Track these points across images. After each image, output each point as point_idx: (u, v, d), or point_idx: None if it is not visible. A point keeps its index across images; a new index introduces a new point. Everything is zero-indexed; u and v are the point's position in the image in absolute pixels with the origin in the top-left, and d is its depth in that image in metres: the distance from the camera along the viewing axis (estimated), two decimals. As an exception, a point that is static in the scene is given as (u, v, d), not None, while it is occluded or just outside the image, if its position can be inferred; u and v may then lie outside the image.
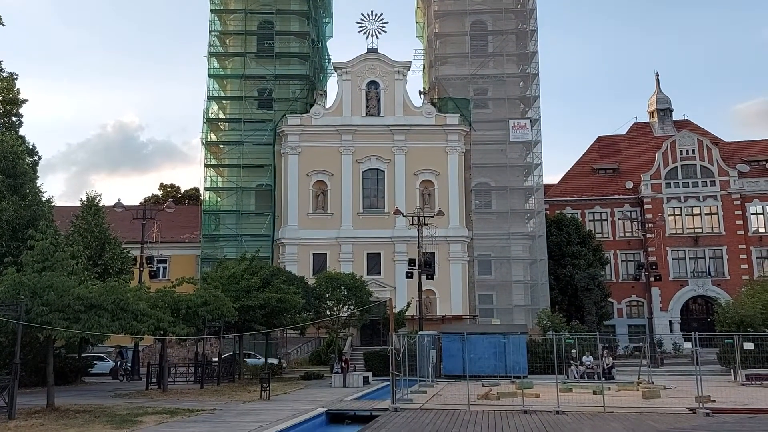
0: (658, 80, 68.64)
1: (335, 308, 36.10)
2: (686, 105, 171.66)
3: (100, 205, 34.48)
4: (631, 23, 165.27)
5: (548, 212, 54.50)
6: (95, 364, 35.03)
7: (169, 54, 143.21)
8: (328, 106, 50.60)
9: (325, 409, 19.72)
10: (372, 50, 51.04)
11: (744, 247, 56.07)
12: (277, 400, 22.82)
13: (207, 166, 50.48)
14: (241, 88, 51.08)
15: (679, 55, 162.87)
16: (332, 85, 64.82)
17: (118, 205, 37.43)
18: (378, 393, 25.38)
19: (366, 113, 49.94)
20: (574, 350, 31.45)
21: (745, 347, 27.16)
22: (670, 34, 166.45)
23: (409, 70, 51.57)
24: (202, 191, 52.35)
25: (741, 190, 56.92)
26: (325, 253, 47.16)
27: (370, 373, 30.48)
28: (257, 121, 50.35)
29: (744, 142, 63.28)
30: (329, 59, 57.35)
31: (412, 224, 38.42)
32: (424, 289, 38.69)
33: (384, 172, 48.94)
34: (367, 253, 47.05)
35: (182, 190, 71.40)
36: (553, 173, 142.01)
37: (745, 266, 55.32)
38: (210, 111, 51.18)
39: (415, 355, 26.08)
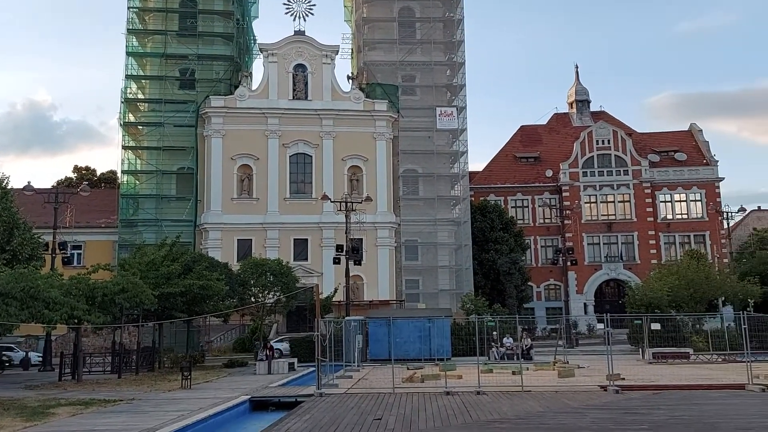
0: (577, 72, 71.28)
1: (260, 295, 35.61)
2: (603, 97, 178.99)
3: (8, 187, 32.42)
4: (553, 16, 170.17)
5: (473, 199, 55.73)
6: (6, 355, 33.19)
7: (85, 30, 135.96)
8: (253, 88, 49.49)
9: (249, 397, 19.49)
10: (299, 32, 50.26)
11: (653, 233, 59.33)
12: (198, 388, 22.35)
13: (125, 148, 48.42)
14: (162, 67, 49.17)
15: (598, 49, 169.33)
16: (258, 67, 63.52)
17: (28, 187, 35.34)
18: (303, 379, 25.32)
19: (293, 97, 49.22)
20: (495, 332, 32.43)
21: (652, 328, 28.90)
22: (590, 28, 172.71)
23: (337, 54, 51.17)
24: (119, 174, 50.23)
25: (651, 179, 60.07)
26: (251, 239, 46.36)
27: (295, 360, 30.32)
28: (179, 102, 48.66)
29: (655, 134, 66.72)
30: (255, 40, 56.02)
31: (340, 210, 38.36)
32: (351, 274, 38.80)
33: (311, 157, 48.49)
34: (294, 239, 46.62)
35: (98, 173, 68.33)
36: (478, 161, 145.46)
37: (654, 251, 58.59)
38: (128, 90, 49.02)
39: (342, 340, 26.17)
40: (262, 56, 50.48)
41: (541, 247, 60.99)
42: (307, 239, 46.80)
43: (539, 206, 60.84)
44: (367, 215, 43.12)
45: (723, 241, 59.12)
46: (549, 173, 62.49)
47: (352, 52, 56.78)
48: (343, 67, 74.52)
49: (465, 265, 49.09)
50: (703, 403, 16.62)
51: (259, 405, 19.16)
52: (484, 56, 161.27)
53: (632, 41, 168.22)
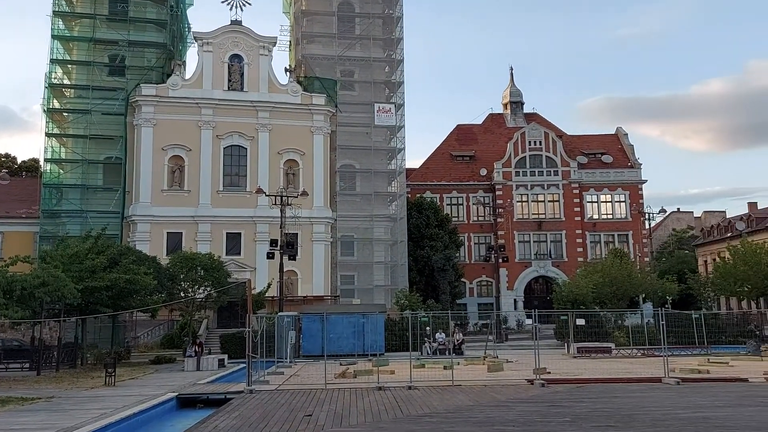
0: (512, 74, 72.95)
1: (190, 290, 34.74)
2: (537, 99, 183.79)
3: None
4: (492, 19, 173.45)
5: (410, 195, 56.18)
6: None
7: (6, 11, 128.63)
8: (187, 77, 48.04)
9: (176, 394, 19.00)
10: (236, 22, 49.18)
11: (580, 232, 61.47)
12: (123, 386, 21.62)
13: (48, 135, 46.05)
14: (90, 52, 47.04)
15: (533, 52, 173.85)
16: (192, 56, 61.93)
17: (-61, 174, 33.18)
18: (234, 376, 24.93)
19: (228, 87, 48.10)
20: (428, 328, 32.86)
21: (577, 323, 29.99)
22: (527, 31, 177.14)
23: (275, 46, 50.34)
24: (42, 163, 47.72)
25: (580, 180, 62.19)
26: (181, 232, 45.06)
27: (226, 356, 29.82)
28: (107, 89, 46.68)
29: (584, 136, 69.09)
30: (189, 28, 54.47)
31: (275, 204, 37.89)
32: (285, 269, 38.42)
33: (246, 149, 47.58)
34: (227, 233, 45.66)
35: (19, 161, 64.98)
36: (415, 158, 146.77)
37: (581, 249, 60.74)
38: (53, 75, 46.62)
39: (274, 336, 25.90)
40: (196, 45, 49.06)
41: (475, 244, 62.11)
42: (240, 233, 45.91)
43: (473, 204, 61.95)
44: (302, 210, 42.74)
45: (644, 240, 61.93)
46: (483, 172, 63.70)
47: (290, 45, 56.09)
48: (281, 60, 73.42)
49: (400, 261, 49.46)
50: (623, 395, 17.35)
51: (186, 402, 18.71)
52: (423, 55, 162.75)
53: (565, 46, 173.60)
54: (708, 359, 27.67)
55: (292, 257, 36.97)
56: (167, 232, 44.82)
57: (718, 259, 52.59)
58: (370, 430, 12.78)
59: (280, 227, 35.95)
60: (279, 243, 35.30)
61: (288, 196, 37.71)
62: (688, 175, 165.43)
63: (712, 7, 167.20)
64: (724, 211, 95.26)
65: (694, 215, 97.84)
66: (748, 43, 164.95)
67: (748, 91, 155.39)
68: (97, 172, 46.38)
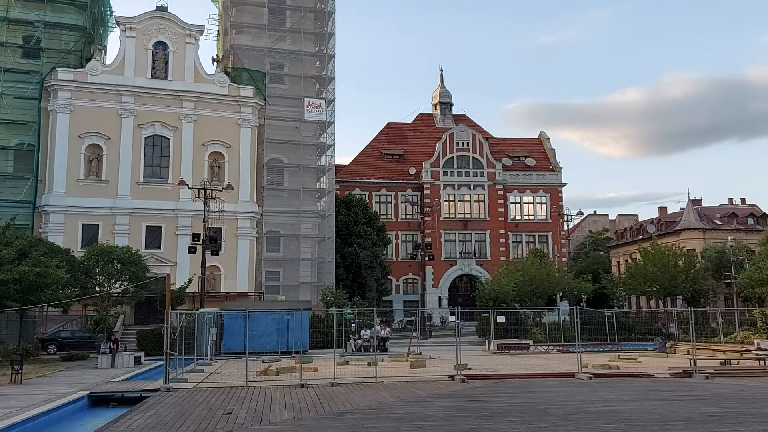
0: (442, 75, 74.09)
1: (106, 284, 33.30)
2: (466, 100, 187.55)
3: None
4: (424, 22, 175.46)
5: (338, 192, 56.07)
6: None
7: None
8: (107, 63, 46.02)
9: (88, 392, 18.16)
10: (161, 8, 47.51)
11: (503, 232, 63.22)
12: (31, 383, 20.48)
13: (-47, 118, 43.04)
14: (3, 32, 44.18)
15: (464, 54, 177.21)
16: (114, 42, 59.46)
17: None
18: (150, 373, 24.09)
19: (152, 75, 46.41)
20: (353, 324, 32.89)
21: (498, 320, 30.80)
22: (458, 33, 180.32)
23: (202, 34, 48.99)
24: (-56, 147, 44.50)
25: (504, 181, 63.94)
26: (98, 224, 43.14)
27: (142, 353, 28.80)
28: (20, 72, 44.03)
29: (509, 139, 71.07)
30: (111, 12, 52.17)
31: (198, 197, 36.86)
32: (208, 265, 37.51)
33: (170, 140, 46.06)
34: (147, 226, 44.06)
35: None
36: (345, 154, 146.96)
37: (503, 249, 62.47)
38: (-40, 54, 43.59)
39: (194, 333, 25.23)
40: (118, 30, 47.07)
41: (402, 242, 62.74)
42: (161, 226, 44.41)
43: (402, 202, 62.54)
44: (227, 204, 41.83)
45: (563, 241, 64.35)
46: (412, 171, 64.42)
47: (219, 35, 54.71)
48: (209, 49, 71.62)
49: (327, 257, 49.25)
50: (539, 390, 17.93)
51: (99, 401, 17.91)
52: (355, 52, 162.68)
53: (493, 50, 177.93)
54: (618, 355, 29.06)
55: (215, 252, 36.11)
56: (83, 224, 42.80)
57: (630, 260, 55.30)
58: (291, 427, 12.64)
59: (203, 221, 35.01)
60: (202, 237, 34.38)
61: (212, 190, 36.78)
62: (605, 180, 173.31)
63: (630, 20, 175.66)
64: (637, 215, 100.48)
65: (610, 218, 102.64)
66: (663, 56, 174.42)
67: (661, 101, 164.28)
68: (6, 158, 43.76)
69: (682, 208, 78.64)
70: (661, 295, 47.23)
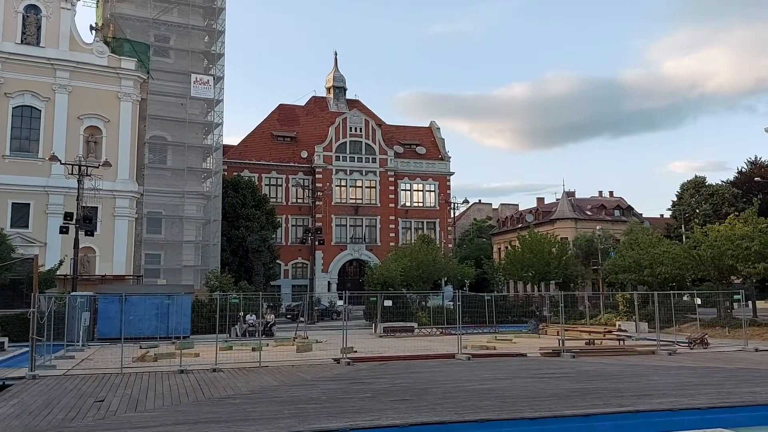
0: (336, 59, 73.79)
1: (-37, 265, 30.41)
2: (359, 86, 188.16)
3: None
4: (318, 2, 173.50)
5: (226, 173, 54.43)
6: None
7: None
8: (-31, 23, 41.69)
9: (-63, 383, 16.57)
10: (33, -33, 43.58)
11: (394, 218, 64.31)
12: None
13: None
14: None
15: (359, 39, 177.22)
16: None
17: None
18: (14, 360, 22.37)
19: (21, 41, 42.56)
20: (241, 312, 32.21)
21: (385, 304, 31.36)
22: (353, 17, 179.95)
23: (79, 0, 45.53)
24: None
25: (395, 168, 64.94)
26: (-44, 200, 39.25)
27: (6, 339, 26.70)
28: None
29: (401, 127, 72.19)
30: (-26, -34, 47.18)
31: (72, 174, 34.42)
32: (82, 246, 35.24)
33: (41, 111, 42.54)
34: (13, 203, 40.53)
35: None
36: (234, 134, 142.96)
37: (393, 234, 63.59)
38: None
39: (65, 318, 23.71)
40: (-18, -13, 42.70)
41: (292, 226, 62.15)
42: (29, 204, 41.02)
43: (293, 186, 61.86)
44: (104, 182, 39.41)
45: (449, 228, 66.60)
46: (304, 154, 63.81)
47: (99, 1, 51.04)
48: (87, 16, 66.73)
49: (213, 240, 47.72)
50: (420, 371, 18.51)
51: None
52: (248, 29, 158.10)
53: (387, 36, 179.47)
54: (495, 337, 30.58)
55: (90, 233, 33.85)
56: (-64, 200, 38.75)
57: (509, 247, 58.13)
58: (168, 413, 12.23)
59: (77, 199, 32.77)
60: (75, 217, 32.18)
61: (88, 166, 34.48)
62: (491, 170, 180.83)
63: (518, 17, 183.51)
64: (518, 205, 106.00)
65: (493, 207, 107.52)
66: (547, 54, 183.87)
67: (543, 97, 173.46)
68: None
69: (557, 199, 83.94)
70: (536, 280, 50.05)
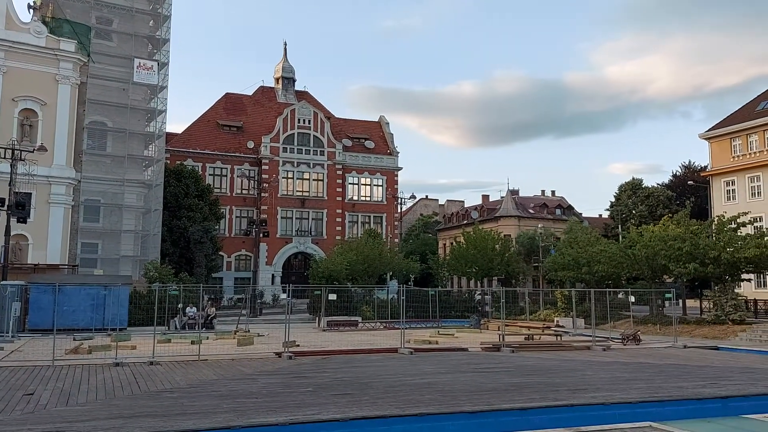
0: (285, 50, 72.93)
1: None
2: (309, 78, 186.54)
3: None
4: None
5: (169, 162, 53.11)
6: None
7: None
8: None
9: None
10: (-35, -62, 41.25)
11: (341, 211, 64.15)
12: None
13: None
14: None
15: (309, 30, 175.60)
16: None
17: None
18: (-65, 353, 21.21)
19: (-49, 15, 40.30)
20: (180, 305, 31.54)
21: (329, 298, 31.26)
22: (303, 7, 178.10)
23: (16, -25, 43.33)
24: None
25: (343, 162, 64.75)
26: None
27: (-74, 331, 25.30)
28: None
29: (351, 120, 72.02)
30: None
31: (5, 158, 32.88)
32: (13, 233, 33.66)
33: (-29, 91, 40.41)
34: (-62, 187, 38.42)
35: None
36: (178, 122, 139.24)
37: (340, 228, 63.46)
38: None
39: (-7, 308, 22.67)
40: None
41: (236, 217, 61.19)
42: (-44, 188, 38.98)
43: (238, 176, 60.85)
44: (39, 167, 37.75)
45: (396, 223, 66.90)
46: (251, 144, 62.86)
47: (37, -22, 48.78)
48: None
49: (153, 230, 46.48)
50: (363, 365, 18.54)
51: None
52: (195, 15, 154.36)
53: (338, 29, 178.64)
54: (438, 331, 30.93)
55: (23, 220, 32.43)
56: None
57: (454, 243, 58.89)
58: (102, 407, 11.84)
59: (9, 184, 31.34)
60: (7, 202, 30.75)
61: (22, 150, 33.00)
62: (438, 167, 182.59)
63: (468, 15, 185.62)
64: (464, 201, 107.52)
65: (440, 203, 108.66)
66: (496, 53, 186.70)
67: (492, 96, 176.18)
68: None
69: (502, 197, 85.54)
70: (480, 275, 50.89)
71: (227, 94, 68.30)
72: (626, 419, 10.65)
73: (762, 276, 39.53)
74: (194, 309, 30.71)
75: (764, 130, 44.23)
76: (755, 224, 35.86)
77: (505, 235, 61.23)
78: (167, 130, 52.19)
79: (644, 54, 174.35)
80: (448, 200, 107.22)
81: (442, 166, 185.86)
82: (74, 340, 23.11)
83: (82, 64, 44.04)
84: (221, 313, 37.71)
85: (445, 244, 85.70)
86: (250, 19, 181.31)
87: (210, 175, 59.94)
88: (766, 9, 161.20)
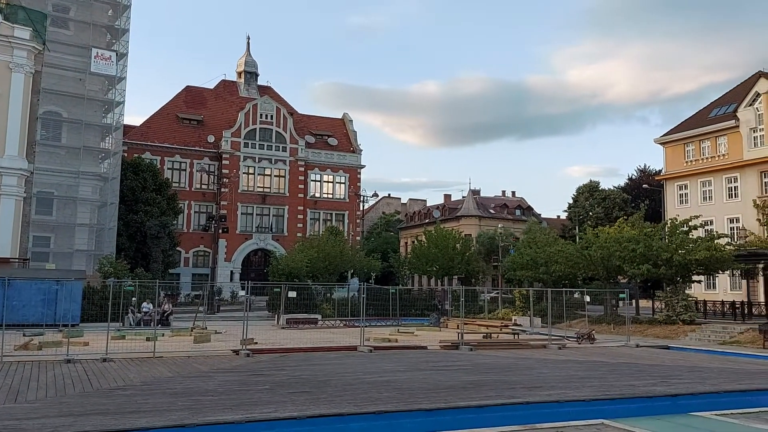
0: (248, 44, 72.15)
1: None
2: (272, 72, 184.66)
3: None
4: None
5: (126, 155, 51.90)
6: None
7: None
8: None
9: None
10: None
11: (302, 208, 63.78)
12: None
13: None
14: None
15: (273, 25, 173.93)
16: None
17: None
18: None
19: None
20: (134, 298, 30.89)
21: (288, 295, 31.00)
22: (268, 1, 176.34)
23: (-34, -43, 41.70)
24: None
25: (306, 158, 64.37)
26: None
27: None
28: None
29: (314, 117, 71.63)
30: None
31: (-49, 146, 31.65)
32: (-40, 225, 32.48)
33: None
34: None
35: None
36: (136, 115, 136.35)
37: (301, 225, 63.09)
38: None
39: (-63, 302, 21.80)
40: None
41: (195, 212, 60.24)
42: None
43: (197, 171, 59.90)
44: (-11, 157, 36.49)
45: (358, 221, 66.84)
46: (211, 139, 61.95)
47: (-11, -39, 47.04)
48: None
49: (108, 224, 45.36)
50: (321, 363, 18.48)
51: None
52: (155, 6, 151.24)
53: (301, 24, 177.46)
54: (398, 329, 31.04)
55: (-29, 211, 31.32)
56: None
57: (416, 242, 59.15)
58: (52, 405, 11.51)
59: (-43, 175, 30.17)
60: (-47, 193, 29.61)
61: (-29, 139, 31.79)
62: (401, 165, 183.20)
63: (433, 15, 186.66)
64: (426, 200, 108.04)
65: (402, 201, 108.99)
66: (460, 54, 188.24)
67: (455, 96, 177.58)
68: None
69: (463, 197, 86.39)
70: (440, 274, 51.24)
71: (188, 87, 67.17)
72: (580, 417, 10.88)
73: (711, 278, 40.83)
74: (150, 305, 30.11)
75: (716, 137, 45.68)
76: (706, 227, 37.00)
77: (466, 235, 61.81)
78: (125, 123, 51.05)
79: (604, 59, 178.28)
80: (410, 199, 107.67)
81: (406, 165, 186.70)
82: (24, 336, 22.42)
83: (37, 53, 42.60)
84: (178, 310, 37.07)
85: (406, 243, 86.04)
86: (213, 11, 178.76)
87: (168, 169, 58.87)
88: (718, 21, 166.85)
